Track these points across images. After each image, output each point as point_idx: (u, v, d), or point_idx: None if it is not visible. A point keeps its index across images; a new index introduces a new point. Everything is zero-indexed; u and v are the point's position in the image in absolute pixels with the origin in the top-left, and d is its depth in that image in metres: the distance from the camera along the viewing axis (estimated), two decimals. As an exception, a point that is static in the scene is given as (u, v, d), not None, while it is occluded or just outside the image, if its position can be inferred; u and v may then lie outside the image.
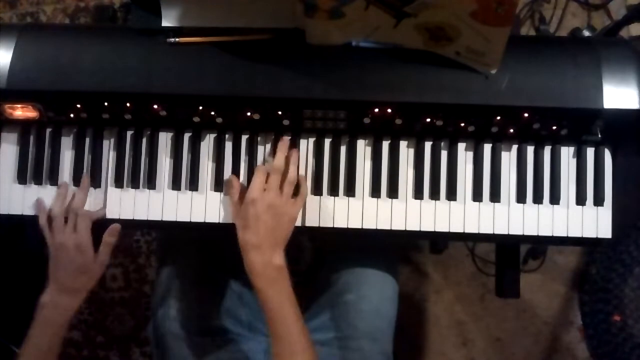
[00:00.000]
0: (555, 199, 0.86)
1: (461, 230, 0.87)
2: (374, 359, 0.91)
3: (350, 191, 0.87)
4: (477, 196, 0.87)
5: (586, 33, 1.10)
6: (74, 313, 0.84)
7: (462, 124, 0.84)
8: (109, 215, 0.88)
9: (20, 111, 0.86)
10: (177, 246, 1.01)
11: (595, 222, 0.87)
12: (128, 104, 0.83)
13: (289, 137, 0.86)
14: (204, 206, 0.88)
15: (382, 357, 0.93)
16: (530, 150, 0.87)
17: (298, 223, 0.85)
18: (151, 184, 0.88)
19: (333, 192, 0.87)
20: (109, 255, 0.86)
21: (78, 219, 0.84)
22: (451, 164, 0.87)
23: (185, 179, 0.88)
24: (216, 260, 0.99)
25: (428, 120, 0.83)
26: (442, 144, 0.88)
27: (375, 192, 0.87)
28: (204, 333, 0.92)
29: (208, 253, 1.00)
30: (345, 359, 0.90)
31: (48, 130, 0.89)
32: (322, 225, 0.87)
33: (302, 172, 0.87)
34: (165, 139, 0.89)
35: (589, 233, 0.87)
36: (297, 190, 0.84)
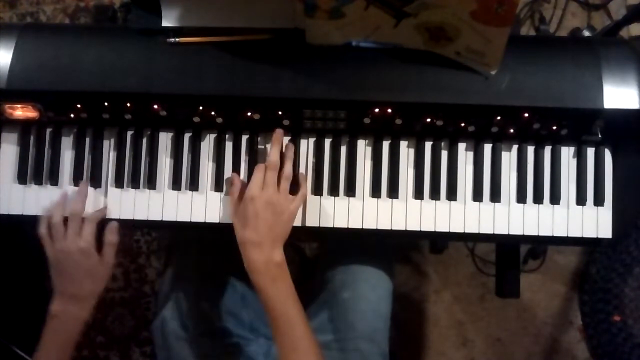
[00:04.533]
0: (555, 199, 0.86)
1: (461, 230, 0.87)
2: None
3: (350, 191, 0.87)
4: (477, 196, 0.87)
5: (586, 33, 1.10)
6: (86, 322, 0.83)
7: (462, 124, 0.84)
8: (110, 216, 0.88)
9: (20, 111, 0.86)
10: (183, 246, 1.01)
11: (595, 222, 0.87)
12: (128, 104, 0.83)
13: (282, 130, 0.85)
14: (204, 206, 0.88)
15: (380, 358, 0.92)
16: (530, 150, 0.87)
17: (298, 223, 0.85)
18: (151, 184, 0.88)
19: (333, 192, 0.87)
20: (113, 255, 0.85)
21: (83, 223, 0.83)
22: (451, 164, 0.87)
23: (185, 179, 0.88)
24: (221, 261, 0.99)
25: (428, 120, 0.83)
26: (442, 144, 0.88)
27: (375, 192, 0.87)
28: (206, 334, 0.92)
29: (213, 254, 0.99)
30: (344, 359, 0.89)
31: (48, 130, 0.89)
32: (322, 225, 0.87)
33: (302, 172, 0.87)
34: (165, 139, 0.89)
35: (589, 233, 0.87)
36: (297, 189, 0.84)
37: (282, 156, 0.83)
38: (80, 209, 0.84)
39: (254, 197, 0.78)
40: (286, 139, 0.87)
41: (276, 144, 0.83)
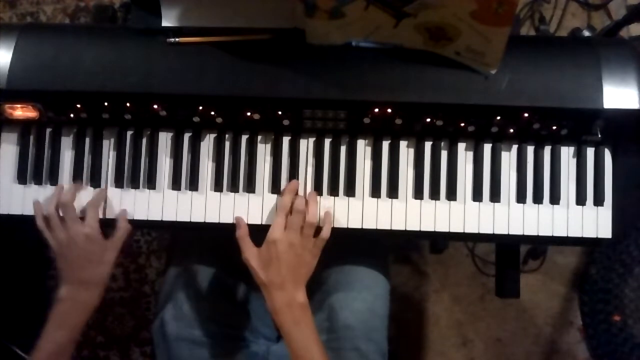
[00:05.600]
0: (555, 199, 0.86)
1: (461, 230, 0.87)
2: (370, 359, 0.91)
3: (350, 191, 0.87)
4: (477, 196, 0.87)
5: (586, 33, 1.10)
6: (94, 309, 0.82)
7: (462, 124, 0.84)
8: (110, 215, 0.88)
9: (20, 111, 0.86)
10: (183, 246, 1.01)
11: (595, 222, 0.87)
12: (128, 104, 0.83)
13: (297, 181, 0.86)
14: (204, 206, 0.88)
15: (379, 356, 0.92)
16: (530, 150, 0.87)
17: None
18: (151, 184, 0.88)
19: (333, 192, 0.87)
20: (123, 240, 0.85)
21: (87, 210, 0.84)
22: (451, 164, 0.87)
23: (185, 179, 0.88)
24: (224, 263, 0.99)
25: (428, 120, 0.83)
26: (442, 144, 0.88)
27: (375, 192, 0.87)
28: (206, 335, 0.92)
29: (216, 256, 0.99)
30: (342, 359, 0.89)
31: (48, 130, 0.89)
32: (322, 225, 0.87)
33: (302, 172, 0.87)
34: (165, 139, 0.89)
35: (589, 233, 0.87)
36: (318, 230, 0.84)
37: (307, 202, 0.84)
38: (69, 199, 0.84)
39: (277, 240, 0.79)
40: (309, 187, 0.87)
41: (294, 192, 0.84)
